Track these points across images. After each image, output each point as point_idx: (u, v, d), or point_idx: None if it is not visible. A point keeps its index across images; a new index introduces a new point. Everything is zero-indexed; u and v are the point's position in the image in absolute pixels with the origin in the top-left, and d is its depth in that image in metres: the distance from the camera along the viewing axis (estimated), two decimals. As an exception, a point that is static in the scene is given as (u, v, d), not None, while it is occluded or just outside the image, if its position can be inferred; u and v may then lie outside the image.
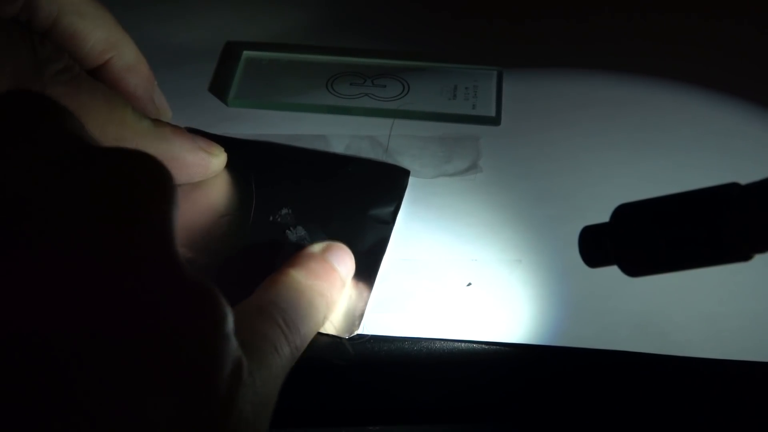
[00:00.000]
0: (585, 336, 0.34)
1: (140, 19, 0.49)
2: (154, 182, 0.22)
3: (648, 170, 0.41)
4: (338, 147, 0.41)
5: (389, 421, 0.36)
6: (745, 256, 0.24)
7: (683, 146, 0.42)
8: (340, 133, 0.42)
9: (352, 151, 0.41)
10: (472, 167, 0.41)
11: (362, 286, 0.35)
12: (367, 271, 0.36)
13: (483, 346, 0.35)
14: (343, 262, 0.34)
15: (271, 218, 0.38)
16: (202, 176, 0.38)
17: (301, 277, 0.32)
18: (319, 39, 0.48)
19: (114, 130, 0.35)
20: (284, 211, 0.38)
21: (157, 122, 0.37)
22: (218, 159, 0.39)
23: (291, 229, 0.37)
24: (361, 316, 0.34)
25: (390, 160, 0.41)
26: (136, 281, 0.20)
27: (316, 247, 0.34)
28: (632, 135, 0.43)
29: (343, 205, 0.38)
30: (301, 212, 0.38)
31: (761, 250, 0.24)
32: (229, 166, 0.40)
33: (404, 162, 0.41)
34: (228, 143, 0.40)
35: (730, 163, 0.41)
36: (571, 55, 0.47)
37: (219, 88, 0.45)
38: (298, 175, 0.40)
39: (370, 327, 0.34)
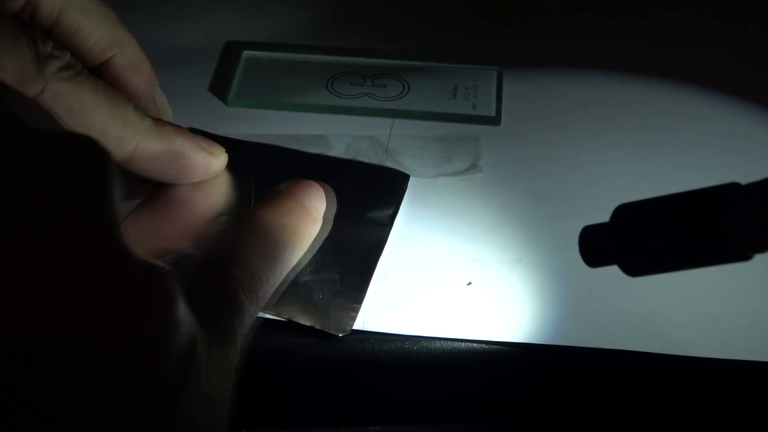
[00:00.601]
0: (585, 335, 0.34)
1: (140, 18, 0.49)
2: (89, 164, 0.21)
3: (648, 170, 0.41)
4: (338, 147, 0.41)
5: (389, 420, 0.36)
6: (746, 256, 0.24)
7: (683, 146, 0.42)
8: (341, 133, 0.42)
9: (353, 151, 0.41)
10: (472, 167, 0.41)
11: (357, 287, 0.35)
12: (363, 272, 0.36)
13: (483, 345, 0.35)
14: (312, 197, 0.33)
15: None
16: (203, 176, 0.38)
17: (265, 216, 0.31)
18: (319, 39, 0.48)
19: (115, 128, 0.35)
20: None
21: (159, 121, 0.37)
22: (219, 159, 0.38)
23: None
24: (355, 316, 0.34)
25: (390, 160, 0.41)
26: (73, 273, 0.19)
27: (283, 185, 0.33)
28: (632, 135, 0.43)
29: (342, 207, 0.38)
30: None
31: (761, 250, 0.24)
32: (230, 166, 0.40)
33: (404, 162, 0.41)
34: (229, 144, 0.40)
35: (731, 162, 0.41)
36: (572, 55, 0.47)
37: (219, 88, 0.45)
38: (298, 176, 0.40)
39: (370, 325, 0.34)
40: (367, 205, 0.39)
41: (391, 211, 0.39)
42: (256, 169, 0.40)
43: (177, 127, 0.37)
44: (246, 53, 0.47)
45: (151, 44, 0.46)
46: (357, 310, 0.35)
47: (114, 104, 0.35)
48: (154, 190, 0.38)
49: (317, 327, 0.34)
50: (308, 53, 0.47)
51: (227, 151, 0.39)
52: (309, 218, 0.33)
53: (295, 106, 0.44)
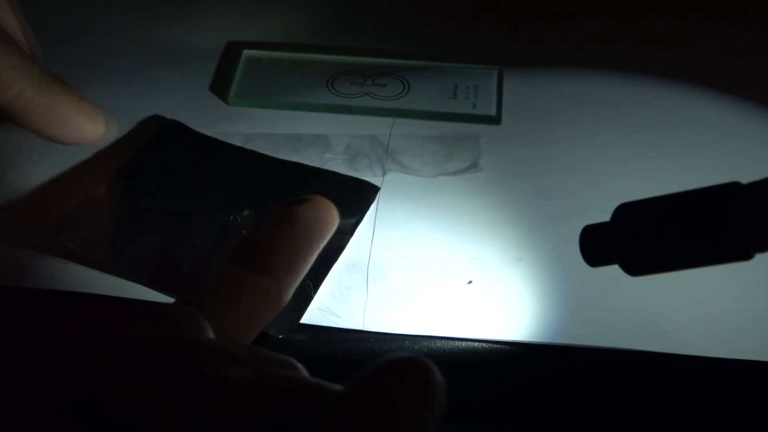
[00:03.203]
0: (586, 334, 0.35)
1: (141, 19, 0.49)
2: None
3: (649, 169, 0.41)
4: (339, 146, 0.42)
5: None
6: (746, 256, 0.24)
7: (684, 145, 0.42)
8: (341, 133, 0.42)
9: (353, 151, 0.41)
10: (473, 166, 0.41)
11: (307, 289, 0.35)
12: (315, 276, 0.36)
13: (484, 344, 0.35)
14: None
15: (231, 218, 0.38)
16: (79, 141, 0.37)
17: (299, 210, 0.31)
18: (320, 38, 0.48)
19: (10, 75, 0.33)
20: (246, 212, 0.38)
21: (50, 76, 0.35)
22: (97, 127, 0.37)
23: (247, 229, 0.38)
24: (300, 317, 0.35)
25: (390, 159, 0.41)
26: None
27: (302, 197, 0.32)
28: (633, 134, 0.43)
29: None
30: (262, 215, 0.38)
31: (762, 250, 0.24)
32: (200, 164, 0.40)
33: (405, 161, 0.41)
34: (199, 141, 0.40)
35: (731, 162, 0.41)
36: (572, 54, 0.47)
37: (219, 87, 0.45)
38: (267, 181, 0.40)
39: (370, 325, 0.34)
40: None
41: (354, 221, 0.38)
42: (227, 169, 0.40)
43: (66, 86, 0.36)
44: (246, 52, 0.47)
45: (152, 44, 0.47)
46: (302, 312, 0.35)
47: (4, 47, 0.33)
48: None
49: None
50: (308, 53, 0.47)
51: (197, 150, 0.39)
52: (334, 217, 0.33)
53: (295, 106, 0.44)
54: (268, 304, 0.29)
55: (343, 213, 0.37)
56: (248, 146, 0.41)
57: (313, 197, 0.32)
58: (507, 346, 0.35)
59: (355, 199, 0.39)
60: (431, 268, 0.37)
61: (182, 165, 0.41)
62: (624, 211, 0.27)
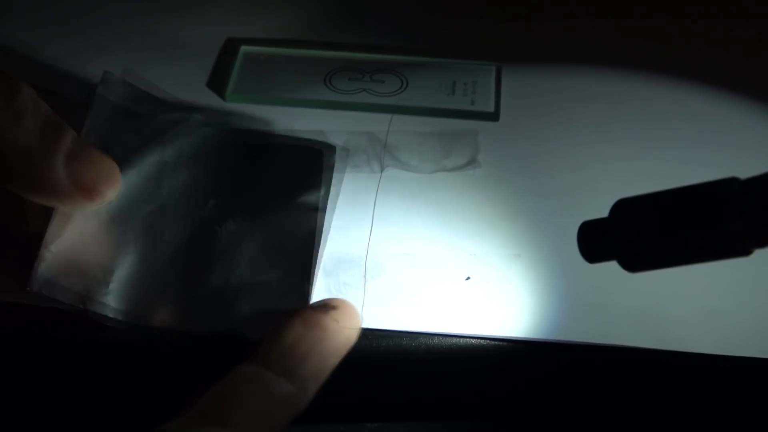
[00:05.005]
0: (584, 331, 0.34)
1: (138, 13, 0.49)
2: None
3: (647, 166, 0.41)
4: (337, 142, 0.41)
5: (387, 417, 0.36)
6: (745, 251, 0.24)
7: (682, 142, 0.42)
8: (339, 129, 0.42)
9: (351, 147, 0.41)
10: (471, 162, 0.41)
11: (300, 285, 0.34)
12: (300, 268, 0.34)
13: (482, 341, 0.35)
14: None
15: (200, 213, 0.36)
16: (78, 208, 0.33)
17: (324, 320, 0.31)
18: (318, 34, 0.48)
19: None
20: (211, 202, 0.36)
21: (49, 133, 0.31)
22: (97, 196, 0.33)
23: (220, 225, 0.35)
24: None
25: (388, 156, 0.41)
26: None
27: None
28: (631, 131, 0.43)
29: (268, 193, 0.35)
30: (228, 204, 0.35)
31: (761, 245, 0.24)
32: (154, 152, 0.36)
33: (403, 157, 0.41)
34: (151, 104, 0.37)
35: (730, 158, 0.41)
36: (571, 50, 0.47)
37: (217, 83, 0.45)
38: (223, 158, 0.37)
39: (368, 321, 0.34)
40: (294, 188, 0.35)
41: (321, 193, 0.35)
42: (180, 151, 0.37)
43: (72, 154, 0.31)
44: (244, 48, 0.47)
45: (148, 39, 0.47)
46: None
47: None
48: None
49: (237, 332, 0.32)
50: (306, 48, 0.47)
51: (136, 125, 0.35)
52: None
53: (293, 102, 0.44)
54: (292, 410, 0.29)
55: (305, 185, 0.35)
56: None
57: (340, 304, 0.32)
58: (505, 343, 0.35)
59: (312, 165, 0.36)
60: (429, 264, 0.37)
61: (129, 147, 0.36)
62: (622, 206, 0.27)
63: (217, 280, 0.34)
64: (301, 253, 0.34)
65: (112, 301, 0.33)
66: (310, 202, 0.35)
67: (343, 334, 0.31)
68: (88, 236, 0.34)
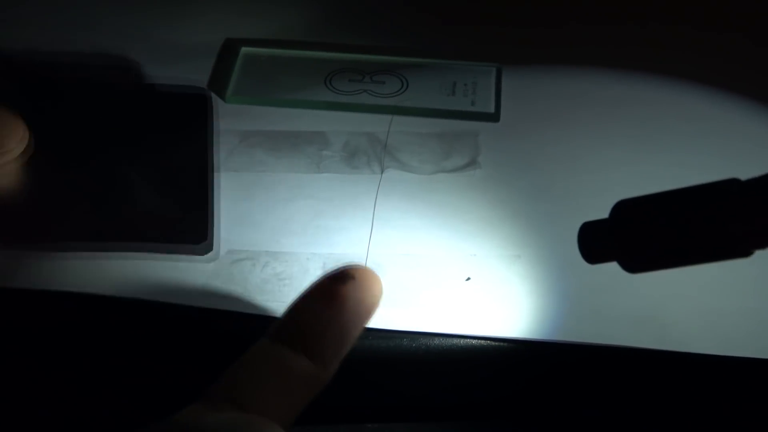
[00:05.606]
0: (584, 331, 0.35)
1: (139, 15, 0.49)
2: None
3: (647, 167, 0.41)
4: (337, 143, 0.41)
5: (387, 418, 0.36)
6: (745, 252, 0.24)
7: (682, 143, 0.42)
8: (339, 130, 0.42)
9: (351, 148, 0.41)
10: (471, 163, 0.41)
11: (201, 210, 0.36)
12: (198, 204, 0.36)
13: (481, 342, 0.35)
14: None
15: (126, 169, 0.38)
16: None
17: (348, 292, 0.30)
18: (318, 35, 0.48)
19: None
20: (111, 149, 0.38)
21: None
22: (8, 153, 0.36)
23: (121, 167, 0.38)
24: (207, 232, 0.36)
25: (389, 157, 0.41)
26: None
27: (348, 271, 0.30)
28: (631, 132, 0.43)
29: (159, 135, 0.38)
30: (126, 147, 0.38)
31: (761, 246, 0.24)
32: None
33: (403, 158, 0.41)
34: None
35: (730, 160, 0.41)
36: (571, 52, 0.47)
37: (217, 85, 0.45)
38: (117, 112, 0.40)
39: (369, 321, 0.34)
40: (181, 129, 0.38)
41: (208, 131, 0.38)
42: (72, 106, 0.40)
43: None
44: (244, 49, 0.47)
45: (149, 41, 0.47)
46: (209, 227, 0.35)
47: None
48: None
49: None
50: (307, 50, 0.47)
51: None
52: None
53: (293, 103, 0.44)
54: (313, 387, 0.28)
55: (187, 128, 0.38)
56: (246, 144, 0.41)
57: (359, 273, 0.30)
58: (505, 343, 0.35)
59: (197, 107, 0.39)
60: (429, 265, 0.37)
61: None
62: (622, 207, 0.27)
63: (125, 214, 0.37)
64: (198, 189, 0.37)
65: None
66: (199, 141, 0.38)
67: (363, 305, 0.29)
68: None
